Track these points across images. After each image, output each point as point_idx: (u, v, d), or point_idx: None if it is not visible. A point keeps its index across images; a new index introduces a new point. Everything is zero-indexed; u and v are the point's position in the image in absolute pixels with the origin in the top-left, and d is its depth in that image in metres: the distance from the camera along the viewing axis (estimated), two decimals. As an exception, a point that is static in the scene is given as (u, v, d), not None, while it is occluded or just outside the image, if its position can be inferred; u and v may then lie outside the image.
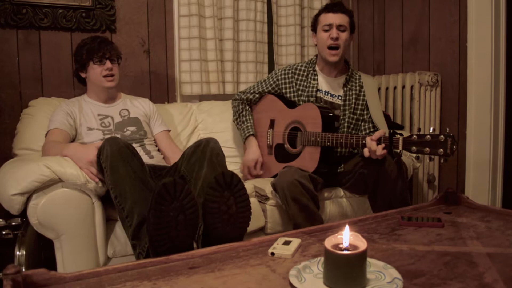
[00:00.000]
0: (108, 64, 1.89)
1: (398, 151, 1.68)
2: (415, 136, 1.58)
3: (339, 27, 1.97)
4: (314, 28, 2.08)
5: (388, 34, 2.93)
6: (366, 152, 1.71)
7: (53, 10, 2.25)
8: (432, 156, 1.57)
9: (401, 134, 1.67)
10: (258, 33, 2.75)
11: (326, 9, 2.03)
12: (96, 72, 1.89)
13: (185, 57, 2.54)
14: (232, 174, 1.25)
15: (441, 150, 1.51)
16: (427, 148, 1.55)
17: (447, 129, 1.56)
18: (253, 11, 2.71)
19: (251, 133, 2.15)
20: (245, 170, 2.13)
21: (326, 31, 1.99)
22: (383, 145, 1.66)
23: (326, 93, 2.06)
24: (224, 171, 1.24)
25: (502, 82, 2.36)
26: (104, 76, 1.89)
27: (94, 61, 1.87)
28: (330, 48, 1.98)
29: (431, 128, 1.58)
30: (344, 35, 1.97)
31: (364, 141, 1.73)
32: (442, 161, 1.54)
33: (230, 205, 1.23)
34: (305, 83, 2.09)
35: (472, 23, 2.38)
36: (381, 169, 1.74)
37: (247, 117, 2.19)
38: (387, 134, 1.69)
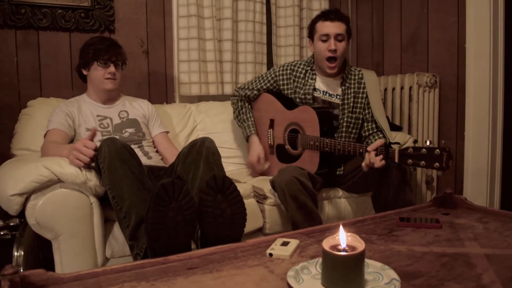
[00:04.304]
0: (112, 68, 1.89)
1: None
2: (411, 149, 1.57)
3: (337, 37, 1.92)
4: (311, 35, 2.03)
5: (387, 35, 2.93)
6: (364, 167, 1.70)
7: (52, 11, 2.25)
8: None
9: (397, 143, 1.66)
10: (257, 34, 2.75)
11: (323, 17, 1.96)
12: (98, 73, 1.89)
13: (184, 58, 2.54)
14: (224, 177, 1.23)
15: (436, 164, 1.51)
16: (423, 162, 1.54)
17: (443, 141, 1.56)
18: (252, 12, 2.71)
19: (253, 132, 2.15)
20: (251, 167, 2.16)
21: (324, 41, 1.94)
22: (381, 156, 1.64)
23: (324, 93, 2.06)
24: (216, 175, 1.23)
25: (500, 83, 2.37)
26: (106, 79, 1.90)
27: (99, 62, 1.87)
28: (328, 59, 1.95)
29: (428, 141, 1.58)
30: (342, 45, 1.94)
31: (361, 150, 1.72)
32: (438, 174, 1.54)
33: (224, 208, 1.21)
34: (302, 81, 2.07)
35: (471, 25, 2.38)
36: (384, 171, 1.72)
37: (248, 115, 2.19)
38: (387, 141, 1.67)
